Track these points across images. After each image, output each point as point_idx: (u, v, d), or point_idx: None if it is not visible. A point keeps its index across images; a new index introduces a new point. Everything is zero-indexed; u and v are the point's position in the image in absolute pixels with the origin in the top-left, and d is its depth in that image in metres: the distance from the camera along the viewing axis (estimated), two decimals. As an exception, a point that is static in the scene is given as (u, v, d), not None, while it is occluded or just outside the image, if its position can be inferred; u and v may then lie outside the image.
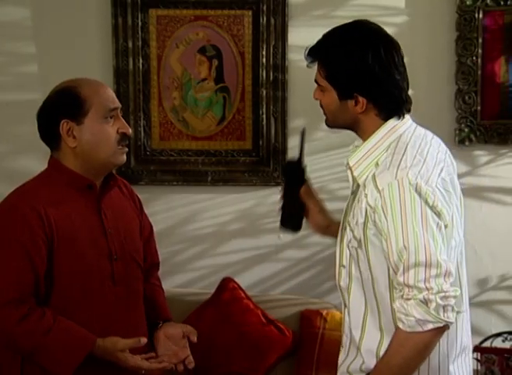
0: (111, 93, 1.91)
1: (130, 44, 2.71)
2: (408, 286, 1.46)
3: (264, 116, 2.76)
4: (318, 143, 2.76)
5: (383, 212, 1.47)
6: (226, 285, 2.72)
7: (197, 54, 2.76)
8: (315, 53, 1.62)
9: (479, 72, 2.72)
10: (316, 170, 2.70)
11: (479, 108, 2.75)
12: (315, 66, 1.63)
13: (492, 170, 2.80)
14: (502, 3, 2.70)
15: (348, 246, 1.59)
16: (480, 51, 2.71)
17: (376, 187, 1.50)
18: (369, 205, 1.51)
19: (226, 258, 2.84)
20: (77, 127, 1.88)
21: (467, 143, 2.77)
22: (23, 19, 2.68)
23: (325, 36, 1.62)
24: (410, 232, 1.45)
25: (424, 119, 2.77)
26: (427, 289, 1.45)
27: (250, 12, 2.73)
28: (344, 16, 2.72)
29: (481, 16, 2.70)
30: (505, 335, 2.68)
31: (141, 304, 2.01)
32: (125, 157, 1.92)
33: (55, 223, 1.83)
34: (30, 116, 2.69)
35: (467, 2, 2.69)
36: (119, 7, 2.69)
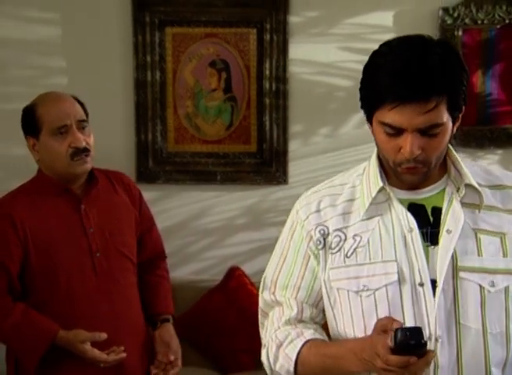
0: (63, 110, 1.86)
1: (149, 59, 2.72)
2: None
3: (268, 122, 2.78)
4: (315, 146, 2.77)
5: None
6: (233, 273, 2.73)
7: (207, 67, 2.77)
8: (441, 89, 1.18)
9: (459, 83, 2.73)
10: (315, 170, 2.72)
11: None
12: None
13: (471, 171, 2.81)
14: (479, 22, 2.71)
15: None
16: (460, 64, 2.72)
17: None
18: None
19: (233, 249, 2.84)
20: (38, 143, 1.87)
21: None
22: (54, 37, 2.69)
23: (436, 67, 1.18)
24: None
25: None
26: None
27: (255, 30, 2.74)
28: (338, 33, 2.74)
29: (460, 33, 2.71)
30: None
31: (132, 294, 1.96)
32: (86, 166, 1.87)
33: (29, 227, 1.83)
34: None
35: (448, 21, 2.70)
36: (138, 26, 2.70)
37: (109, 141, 2.73)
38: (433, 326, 1.23)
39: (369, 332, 1.23)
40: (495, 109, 2.77)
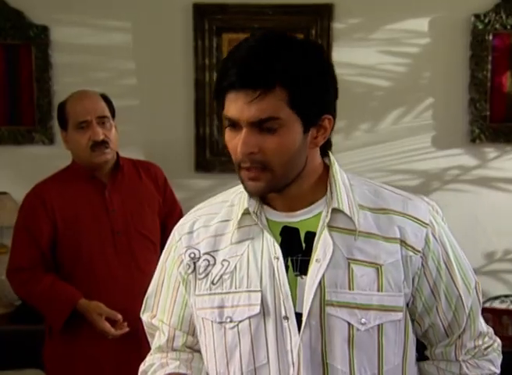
0: (85, 107, 1.92)
1: (207, 62, 2.75)
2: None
3: (313, 118, 2.78)
4: (356, 141, 2.77)
5: None
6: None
7: (259, 69, 2.79)
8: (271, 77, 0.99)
9: (489, 83, 2.70)
10: (356, 162, 2.71)
11: (488, 113, 2.73)
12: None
13: (499, 164, 2.77)
14: (508, 27, 2.68)
15: None
16: (490, 66, 2.69)
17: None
18: None
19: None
20: (68, 135, 1.95)
21: (478, 142, 2.75)
22: (126, 42, 2.74)
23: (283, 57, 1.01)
24: None
25: (442, 123, 2.83)
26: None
27: (301, 36, 2.68)
28: (378, 38, 2.73)
29: (490, 37, 2.68)
30: (502, 298, 2.65)
31: (151, 270, 1.95)
32: (105, 157, 1.92)
33: (58, 207, 1.92)
34: (130, 118, 2.81)
35: (480, 27, 2.68)
36: (198, 32, 2.74)
37: (171, 134, 2.80)
38: (296, 366, 1.03)
39: (232, 368, 1.06)
40: (522, 107, 2.74)
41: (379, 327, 1.04)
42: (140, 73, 2.76)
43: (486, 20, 2.67)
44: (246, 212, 1.08)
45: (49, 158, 2.61)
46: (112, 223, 1.95)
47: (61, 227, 1.93)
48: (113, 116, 2.03)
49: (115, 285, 1.93)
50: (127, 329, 1.88)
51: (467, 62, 2.71)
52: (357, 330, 1.03)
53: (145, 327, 1.22)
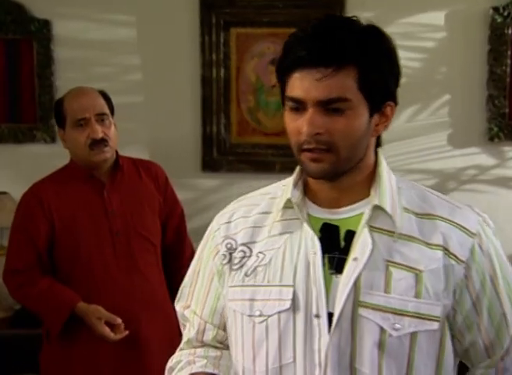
0: (83, 104, 1.88)
1: (214, 57, 2.71)
2: None
3: (323, 116, 2.73)
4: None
5: None
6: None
7: (268, 65, 2.74)
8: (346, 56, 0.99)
9: (508, 79, 2.62)
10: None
11: (507, 110, 2.64)
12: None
13: (518, 163, 2.70)
14: (529, 20, 2.59)
15: None
16: (509, 61, 2.61)
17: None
18: None
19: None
20: (65, 133, 1.91)
21: (496, 140, 2.68)
22: (130, 37, 2.70)
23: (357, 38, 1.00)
24: None
25: (460, 120, 2.73)
26: None
27: None
28: (392, 32, 2.58)
29: (510, 31, 2.59)
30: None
31: (151, 272, 1.96)
32: (104, 155, 1.89)
33: (56, 207, 1.88)
34: (135, 115, 2.77)
35: (498, 20, 2.59)
36: (205, 27, 2.69)
37: (177, 132, 2.77)
38: (323, 367, 0.99)
39: (258, 363, 1.03)
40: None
41: (412, 335, 1.00)
42: (144, 69, 2.72)
43: (505, 13, 2.58)
44: (287, 206, 1.07)
45: (51, 157, 2.55)
46: (110, 224, 1.92)
47: (58, 228, 1.90)
48: (112, 113, 1.99)
49: (113, 287, 1.90)
50: (127, 332, 1.86)
51: (486, 57, 2.64)
52: (390, 335, 0.99)
53: (178, 317, 1.21)
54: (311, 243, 1.03)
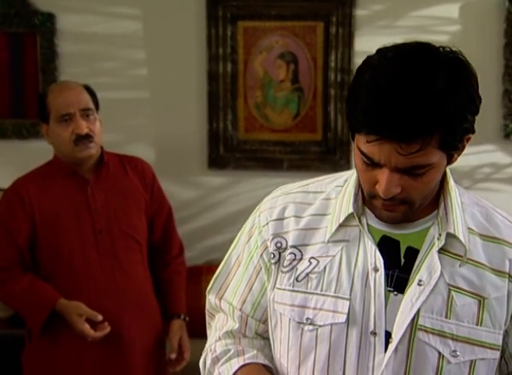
0: (68, 99, 1.85)
1: (221, 51, 2.67)
2: None
3: (333, 112, 2.69)
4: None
5: None
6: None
7: (276, 59, 2.71)
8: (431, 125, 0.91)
9: (525, 74, 2.57)
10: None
11: (524, 106, 2.60)
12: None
13: (534, 161, 2.65)
14: (547, 13, 2.53)
15: None
16: (526, 55, 2.56)
17: None
18: None
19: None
20: (49, 128, 1.89)
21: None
22: (136, 31, 2.67)
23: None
24: None
25: (473, 116, 2.67)
26: None
27: (322, 24, 2.65)
28: (404, 25, 2.62)
29: (527, 24, 2.54)
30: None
31: (136, 271, 1.95)
32: (89, 151, 1.86)
33: (37, 204, 1.86)
34: (140, 110, 2.75)
35: (516, 12, 2.54)
36: (212, 20, 2.66)
37: (183, 129, 2.74)
38: None
39: (304, 372, 1.02)
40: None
41: (472, 363, 0.99)
42: (150, 64, 2.69)
43: (522, 6, 2.53)
44: (348, 216, 1.03)
45: (54, 153, 2.56)
46: (94, 222, 1.90)
47: (40, 225, 1.88)
48: (97, 108, 1.96)
49: (96, 286, 1.89)
50: (108, 329, 1.84)
51: (501, 51, 2.59)
52: (448, 362, 0.98)
53: (207, 306, 1.18)
54: (371, 257, 1.00)
